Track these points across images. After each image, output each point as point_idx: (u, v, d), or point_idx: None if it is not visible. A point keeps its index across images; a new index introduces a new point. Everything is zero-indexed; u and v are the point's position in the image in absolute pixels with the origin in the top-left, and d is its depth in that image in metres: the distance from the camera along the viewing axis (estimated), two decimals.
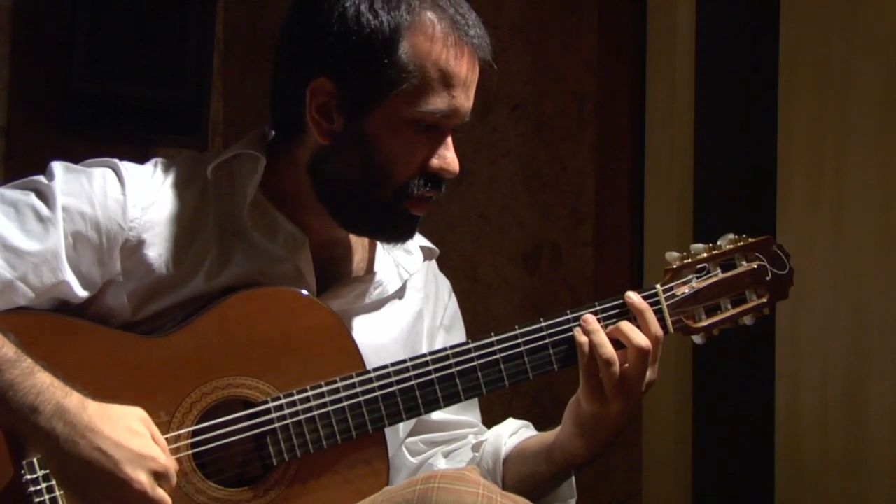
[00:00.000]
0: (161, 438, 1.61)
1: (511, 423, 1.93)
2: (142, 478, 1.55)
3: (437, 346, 1.92)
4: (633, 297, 1.77)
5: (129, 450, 1.55)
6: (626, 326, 1.74)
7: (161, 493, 1.57)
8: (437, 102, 1.68)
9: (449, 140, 1.72)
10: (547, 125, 3.26)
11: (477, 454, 1.90)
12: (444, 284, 1.99)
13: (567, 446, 1.79)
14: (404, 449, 1.92)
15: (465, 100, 1.71)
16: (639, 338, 1.73)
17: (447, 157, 1.71)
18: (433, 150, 1.71)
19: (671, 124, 3.03)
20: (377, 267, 1.84)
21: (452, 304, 1.99)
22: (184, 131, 3.17)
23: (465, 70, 1.70)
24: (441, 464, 1.92)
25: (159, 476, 1.57)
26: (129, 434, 1.56)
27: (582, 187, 3.24)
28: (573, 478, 1.86)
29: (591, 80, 3.23)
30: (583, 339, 1.74)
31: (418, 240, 1.89)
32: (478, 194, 3.31)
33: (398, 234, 1.76)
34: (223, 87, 3.36)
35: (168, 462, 1.58)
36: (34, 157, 1.73)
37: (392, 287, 1.85)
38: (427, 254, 1.92)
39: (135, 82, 3.15)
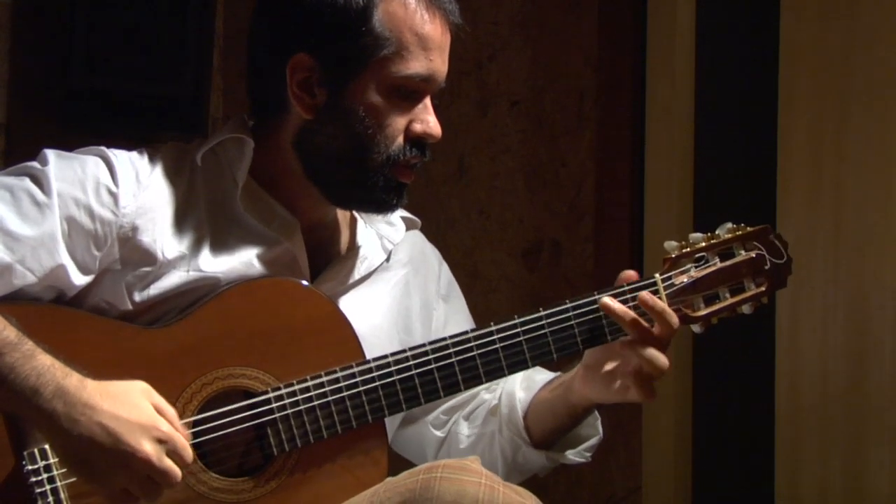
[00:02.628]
0: (168, 408, 1.60)
1: (518, 375, 1.91)
2: (146, 447, 1.54)
3: (439, 318, 1.95)
4: (647, 297, 1.78)
5: (128, 421, 1.54)
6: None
7: (168, 462, 1.56)
8: (416, 66, 1.71)
9: (429, 104, 1.75)
10: (547, 121, 3.26)
11: (495, 418, 1.91)
12: (433, 254, 2.00)
13: (588, 404, 1.85)
14: (429, 426, 1.94)
15: (442, 63, 1.75)
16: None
17: (429, 121, 1.75)
18: (415, 115, 1.74)
19: (671, 120, 3.02)
20: (360, 241, 1.86)
21: (445, 272, 2.00)
22: (184, 127, 3.18)
23: (440, 33, 1.74)
24: (464, 429, 1.93)
25: (164, 444, 1.56)
26: (129, 407, 1.56)
27: (582, 183, 3.24)
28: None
29: (592, 75, 3.23)
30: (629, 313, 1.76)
31: (400, 211, 1.90)
32: (478, 191, 3.31)
33: (388, 203, 1.78)
34: (223, 83, 3.36)
35: (171, 430, 1.57)
36: (34, 153, 1.74)
37: (377, 259, 1.87)
38: (409, 224, 1.93)
39: (135, 78, 3.15)
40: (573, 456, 1.89)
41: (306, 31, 1.72)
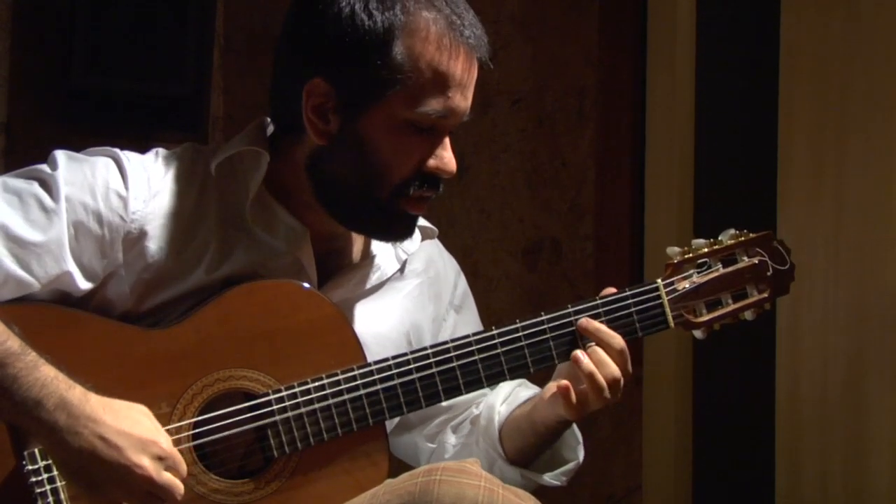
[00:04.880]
0: (163, 431, 1.62)
1: (503, 389, 1.91)
2: (146, 462, 1.55)
3: (448, 328, 1.94)
4: (585, 322, 1.77)
5: (130, 436, 1.56)
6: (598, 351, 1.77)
7: (167, 476, 1.57)
8: (433, 104, 1.67)
9: (446, 140, 1.72)
10: (547, 120, 3.26)
11: (475, 428, 1.91)
12: (451, 265, 1.98)
13: (548, 421, 1.81)
14: (423, 437, 1.94)
15: (462, 100, 1.70)
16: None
17: (444, 157, 1.71)
18: (430, 150, 1.70)
19: (672, 119, 3.02)
20: (374, 251, 1.84)
21: (461, 283, 1.98)
22: (184, 126, 3.18)
23: (461, 70, 1.69)
24: (451, 439, 1.93)
25: (163, 461, 1.57)
26: (131, 423, 1.57)
27: (582, 182, 3.24)
28: (573, 426, 1.86)
29: (592, 74, 3.23)
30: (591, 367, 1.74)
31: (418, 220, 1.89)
32: (478, 189, 3.31)
33: (396, 234, 1.77)
34: (223, 82, 3.36)
35: (171, 447, 1.59)
36: (34, 152, 1.74)
37: (391, 269, 1.85)
38: (426, 233, 1.91)
39: (135, 77, 3.15)
40: (550, 478, 1.86)
41: (325, 57, 1.68)
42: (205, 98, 3.24)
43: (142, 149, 1.79)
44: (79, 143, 1.78)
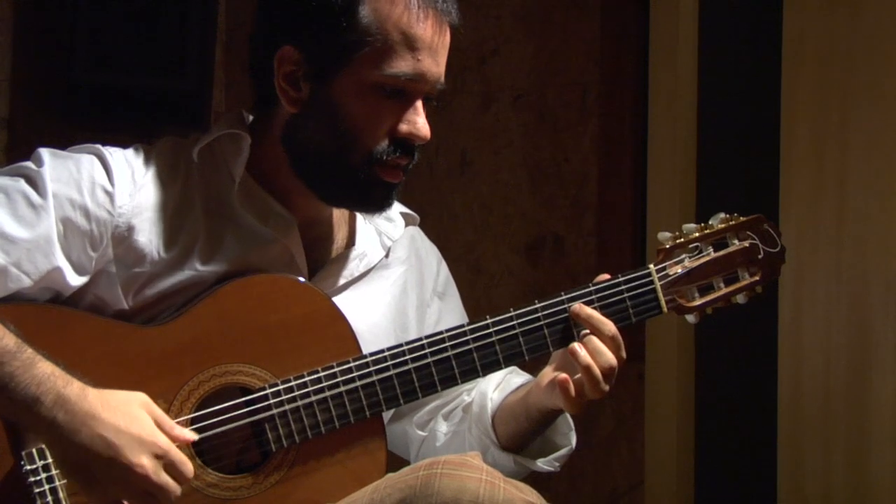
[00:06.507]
0: (166, 420, 1.61)
1: (495, 376, 1.90)
2: (144, 462, 1.54)
3: (432, 315, 1.93)
4: (577, 308, 1.77)
5: (129, 435, 1.55)
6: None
7: (166, 478, 1.56)
8: (401, 65, 1.68)
9: (419, 105, 1.71)
10: (549, 116, 3.26)
11: (467, 415, 1.90)
12: (432, 252, 1.98)
13: (543, 408, 1.80)
14: (413, 425, 1.93)
15: (433, 64, 1.70)
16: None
17: (416, 122, 1.70)
18: (401, 115, 1.70)
19: (674, 115, 3.02)
20: (358, 238, 1.84)
21: (443, 270, 1.98)
22: (186, 122, 3.19)
23: (430, 33, 1.69)
24: (443, 427, 1.92)
25: (162, 459, 1.56)
26: (130, 420, 1.56)
27: (585, 178, 3.24)
28: (565, 413, 1.84)
29: (594, 70, 3.23)
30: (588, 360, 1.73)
31: (399, 207, 1.88)
32: (480, 185, 3.31)
33: (374, 203, 1.76)
34: (225, 78, 3.36)
35: (170, 445, 1.58)
36: (36, 147, 1.74)
37: (376, 256, 1.85)
38: (408, 220, 1.91)
39: (137, 73, 3.16)
40: (543, 464, 1.86)
41: (293, 24, 1.70)
42: (207, 93, 3.25)
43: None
44: (80, 139, 1.78)
